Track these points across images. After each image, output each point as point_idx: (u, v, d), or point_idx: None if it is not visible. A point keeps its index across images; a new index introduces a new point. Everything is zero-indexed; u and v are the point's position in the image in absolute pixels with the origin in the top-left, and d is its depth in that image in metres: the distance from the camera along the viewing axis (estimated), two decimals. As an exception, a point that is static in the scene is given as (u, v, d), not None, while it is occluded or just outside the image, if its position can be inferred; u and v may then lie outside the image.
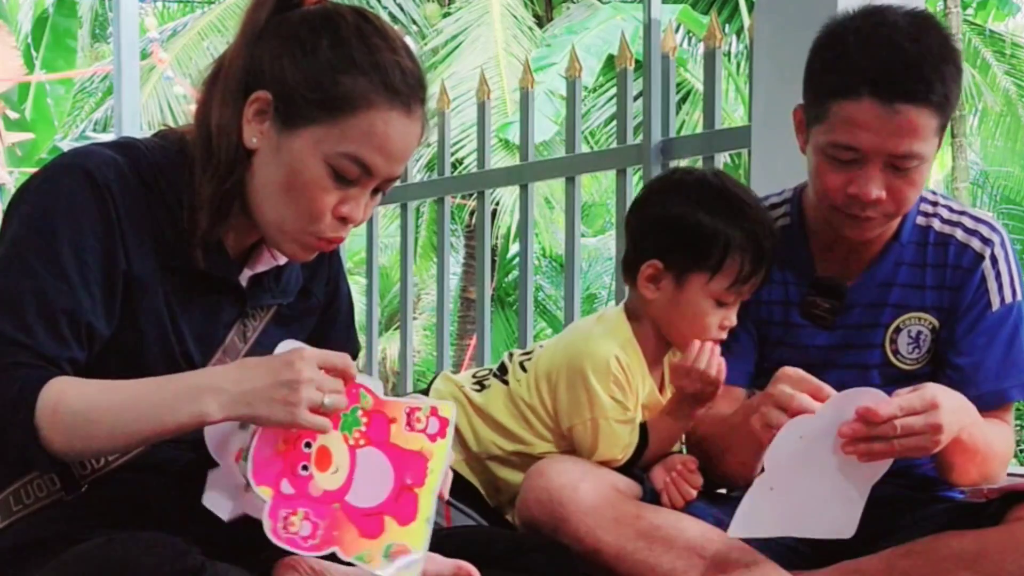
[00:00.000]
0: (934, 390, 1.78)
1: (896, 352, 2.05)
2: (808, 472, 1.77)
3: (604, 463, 2.04)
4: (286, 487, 1.47)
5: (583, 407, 2.05)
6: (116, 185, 1.57)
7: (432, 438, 1.57)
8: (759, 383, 2.08)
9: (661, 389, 2.14)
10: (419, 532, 1.53)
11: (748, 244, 2.01)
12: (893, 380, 2.02)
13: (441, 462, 1.57)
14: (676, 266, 2.05)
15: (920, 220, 2.05)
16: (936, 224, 2.05)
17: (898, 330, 2.04)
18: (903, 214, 1.98)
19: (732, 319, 2.05)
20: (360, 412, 1.53)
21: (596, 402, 2.04)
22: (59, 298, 1.52)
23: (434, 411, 1.57)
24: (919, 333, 2.04)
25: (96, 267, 1.55)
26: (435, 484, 1.56)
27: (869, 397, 1.75)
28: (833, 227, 1.99)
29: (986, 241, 2.03)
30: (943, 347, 2.04)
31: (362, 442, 1.53)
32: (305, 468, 1.49)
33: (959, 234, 2.04)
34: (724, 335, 2.06)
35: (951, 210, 2.07)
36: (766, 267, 2.04)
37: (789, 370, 1.81)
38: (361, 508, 1.52)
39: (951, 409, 1.78)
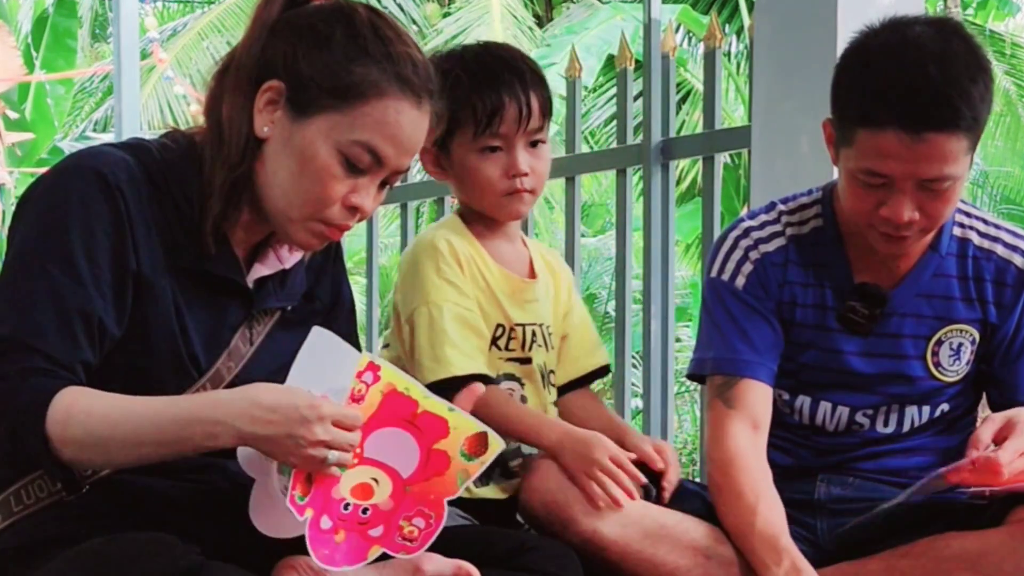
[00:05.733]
0: None
1: (938, 364, 2.04)
2: None
3: (441, 383, 1.91)
4: (376, 532, 1.52)
5: (415, 294, 2.01)
6: (127, 185, 1.58)
7: (376, 380, 1.56)
8: (787, 385, 2.07)
9: (532, 274, 2.12)
10: (457, 421, 1.55)
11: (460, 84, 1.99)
12: (928, 391, 2.04)
13: (402, 380, 1.57)
14: (440, 142, 2.03)
15: (957, 231, 2.04)
16: (975, 237, 2.05)
17: (940, 342, 2.04)
18: (938, 227, 1.97)
19: (520, 163, 2.02)
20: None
21: (426, 285, 2.00)
22: (72, 298, 1.53)
23: (360, 375, 1.56)
24: (960, 345, 2.04)
25: (107, 267, 1.56)
26: (421, 391, 1.57)
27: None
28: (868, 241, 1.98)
29: None
30: (995, 368, 2.05)
31: (358, 450, 1.53)
32: (365, 511, 1.52)
33: (1000, 249, 2.04)
34: (520, 182, 2.03)
35: (986, 223, 2.07)
36: (494, 88, 2.00)
37: None
38: (416, 468, 1.54)
39: None
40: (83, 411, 1.50)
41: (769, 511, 1.92)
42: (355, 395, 1.53)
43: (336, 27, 1.61)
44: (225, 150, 1.62)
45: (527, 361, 2.09)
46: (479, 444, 1.55)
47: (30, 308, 1.51)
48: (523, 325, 2.09)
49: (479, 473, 1.56)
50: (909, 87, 1.80)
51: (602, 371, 2.23)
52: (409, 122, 1.62)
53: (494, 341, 2.06)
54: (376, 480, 1.53)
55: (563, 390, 2.18)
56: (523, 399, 2.09)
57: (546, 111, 2.06)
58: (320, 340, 1.56)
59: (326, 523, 1.49)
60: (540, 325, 2.12)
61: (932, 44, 1.83)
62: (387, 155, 1.61)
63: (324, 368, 1.54)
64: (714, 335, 2.06)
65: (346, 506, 1.51)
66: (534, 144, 2.06)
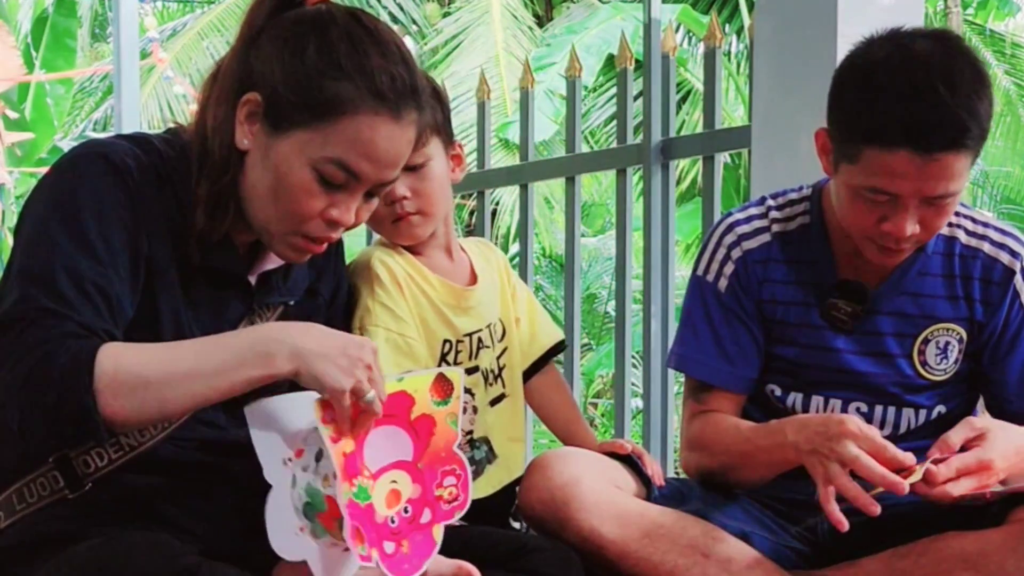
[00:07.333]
0: (991, 450, 1.80)
1: (924, 363, 2.04)
2: None
3: None
4: (426, 518, 1.55)
5: (357, 316, 1.98)
6: (136, 172, 1.58)
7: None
8: (779, 381, 2.08)
9: (472, 279, 2.10)
10: (413, 384, 1.57)
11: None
12: (917, 390, 2.05)
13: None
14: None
15: (945, 230, 2.04)
16: (962, 236, 2.05)
17: (926, 341, 2.04)
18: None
19: (395, 189, 1.96)
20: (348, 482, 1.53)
21: (359, 310, 1.98)
22: (89, 273, 1.51)
23: (324, 421, 1.54)
24: (947, 344, 2.05)
25: (121, 248, 1.55)
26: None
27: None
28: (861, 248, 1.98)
29: (1015, 255, 2.04)
30: (984, 366, 2.05)
31: (366, 473, 1.53)
32: (407, 511, 1.54)
33: (986, 247, 2.04)
34: (400, 207, 1.99)
35: (974, 221, 2.07)
36: None
37: (853, 426, 1.80)
38: (413, 445, 1.56)
39: (1006, 467, 1.82)
40: (131, 358, 1.47)
41: (746, 424, 2.00)
42: (335, 438, 1.52)
43: (310, 39, 1.57)
44: (210, 160, 1.61)
45: (474, 370, 2.08)
46: (443, 386, 1.57)
47: (53, 282, 1.49)
48: (470, 334, 2.08)
49: (462, 406, 1.58)
50: (920, 108, 1.80)
51: (560, 347, 2.26)
52: (385, 138, 1.58)
53: (443, 358, 2.04)
54: (395, 481, 1.54)
55: (528, 373, 2.21)
56: (475, 409, 2.09)
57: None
58: (259, 411, 1.54)
59: (389, 547, 1.51)
60: (487, 327, 2.10)
61: (938, 62, 1.82)
62: (363, 171, 1.58)
63: (285, 427, 1.54)
64: (689, 335, 2.10)
65: (392, 520, 1.52)
66: (414, 168, 1.96)
